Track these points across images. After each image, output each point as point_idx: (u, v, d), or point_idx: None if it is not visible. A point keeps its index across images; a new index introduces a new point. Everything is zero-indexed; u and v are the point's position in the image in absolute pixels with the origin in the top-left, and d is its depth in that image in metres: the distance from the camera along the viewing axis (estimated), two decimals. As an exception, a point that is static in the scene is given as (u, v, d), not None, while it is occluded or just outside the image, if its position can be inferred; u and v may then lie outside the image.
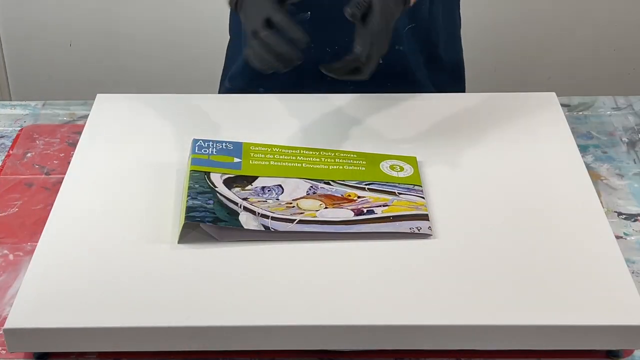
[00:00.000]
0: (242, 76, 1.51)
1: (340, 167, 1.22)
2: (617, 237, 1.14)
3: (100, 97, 1.40)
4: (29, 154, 1.37)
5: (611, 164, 1.35)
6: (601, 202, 1.19)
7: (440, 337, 1.00)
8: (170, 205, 1.16)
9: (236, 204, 1.13)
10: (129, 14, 2.43)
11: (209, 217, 1.10)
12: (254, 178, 1.19)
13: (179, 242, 1.09)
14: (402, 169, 1.22)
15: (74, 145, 1.32)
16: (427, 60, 1.49)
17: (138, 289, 1.03)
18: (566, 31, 2.45)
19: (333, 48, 1.42)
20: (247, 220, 1.11)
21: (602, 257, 1.08)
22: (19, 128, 1.43)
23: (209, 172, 1.18)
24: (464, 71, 1.57)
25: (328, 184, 1.19)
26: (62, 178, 1.22)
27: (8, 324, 0.99)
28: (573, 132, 1.32)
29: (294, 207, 1.14)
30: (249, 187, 1.17)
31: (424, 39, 1.45)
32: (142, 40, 2.46)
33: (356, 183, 1.19)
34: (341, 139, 1.28)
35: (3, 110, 1.48)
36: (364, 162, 1.23)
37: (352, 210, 1.14)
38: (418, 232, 1.11)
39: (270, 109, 1.37)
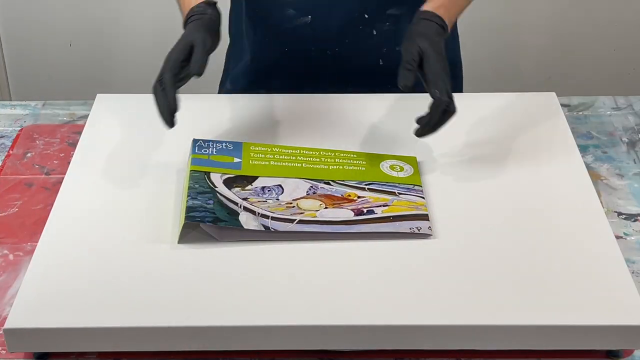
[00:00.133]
0: (244, 78, 1.51)
1: (340, 167, 1.22)
2: (617, 237, 1.14)
3: (100, 97, 1.40)
4: (29, 154, 1.37)
5: (611, 164, 1.35)
6: (601, 202, 1.19)
7: (440, 337, 1.00)
8: (170, 205, 1.16)
9: (236, 204, 1.13)
10: (129, 14, 2.43)
11: (209, 217, 1.10)
12: (254, 178, 1.19)
13: (179, 242, 1.09)
14: (402, 169, 1.22)
15: (74, 145, 1.32)
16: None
17: (138, 289, 1.03)
18: (566, 31, 2.45)
19: (333, 51, 1.43)
20: (247, 220, 1.11)
21: (602, 257, 1.08)
22: (19, 128, 1.43)
23: (209, 172, 1.18)
24: (461, 70, 1.57)
25: (328, 184, 1.19)
26: (62, 178, 1.22)
27: (8, 324, 0.99)
28: (573, 132, 1.32)
29: (294, 207, 1.14)
30: (249, 187, 1.17)
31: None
32: (142, 40, 2.46)
33: (356, 183, 1.19)
34: (341, 139, 1.28)
35: (3, 110, 1.48)
36: (364, 162, 1.23)
37: (352, 210, 1.14)
38: (418, 232, 1.11)
39: (270, 109, 1.37)
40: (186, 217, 1.09)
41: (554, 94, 1.41)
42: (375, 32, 1.42)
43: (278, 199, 1.15)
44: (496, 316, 1.00)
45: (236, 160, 1.21)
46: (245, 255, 1.08)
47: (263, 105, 1.38)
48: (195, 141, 1.24)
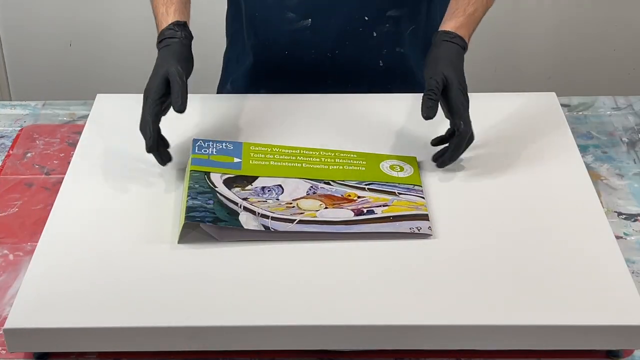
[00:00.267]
0: (245, 79, 1.51)
1: (340, 167, 1.22)
2: (617, 237, 1.14)
3: (100, 97, 1.40)
4: (29, 154, 1.37)
5: (611, 164, 1.35)
6: (601, 202, 1.19)
7: (440, 337, 1.00)
8: (170, 205, 1.16)
9: (236, 204, 1.13)
10: (129, 14, 2.43)
11: (209, 217, 1.10)
12: (254, 178, 1.19)
13: (179, 242, 1.09)
14: (402, 169, 1.22)
15: (74, 145, 1.32)
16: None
17: (138, 289, 1.03)
18: (566, 31, 2.45)
19: (333, 53, 1.43)
20: (247, 220, 1.11)
21: (602, 257, 1.08)
22: (19, 128, 1.43)
23: (209, 172, 1.18)
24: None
25: (328, 184, 1.19)
26: (62, 178, 1.22)
27: (8, 324, 0.99)
28: (573, 132, 1.32)
29: (294, 207, 1.14)
30: (249, 187, 1.17)
31: (424, 40, 1.45)
32: (142, 40, 2.45)
33: (356, 183, 1.19)
34: (341, 139, 1.28)
35: (3, 110, 1.48)
36: (364, 162, 1.23)
37: (352, 210, 1.14)
38: (418, 232, 1.11)
39: (270, 109, 1.37)
40: (186, 217, 1.09)
41: (554, 94, 1.41)
42: (375, 34, 1.42)
43: (278, 199, 1.15)
44: (496, 316, 1.00)
45: (236, 160, 1.21)
46: (245, 255, 1.08)
47: (263, 105, 1.38)
48: (195, 141, 1.24)
